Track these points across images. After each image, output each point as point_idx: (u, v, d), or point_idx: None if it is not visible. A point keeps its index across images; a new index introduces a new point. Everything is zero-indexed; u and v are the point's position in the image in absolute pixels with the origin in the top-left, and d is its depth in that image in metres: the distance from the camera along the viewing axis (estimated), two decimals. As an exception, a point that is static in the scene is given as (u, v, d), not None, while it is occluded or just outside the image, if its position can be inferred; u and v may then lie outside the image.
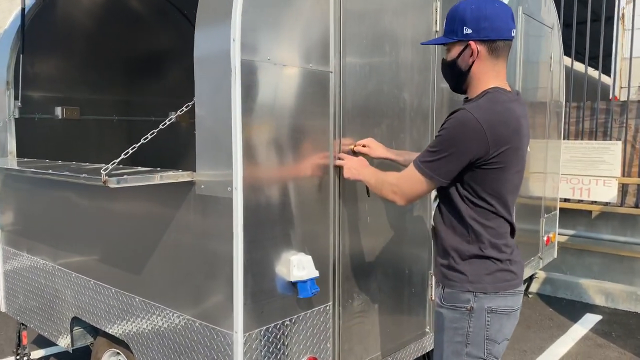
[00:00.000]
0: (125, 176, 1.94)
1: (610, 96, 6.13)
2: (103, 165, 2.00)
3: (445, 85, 2.95)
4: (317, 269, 2.18)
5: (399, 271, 2.74)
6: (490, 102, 1.76)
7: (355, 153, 2.39)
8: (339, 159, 2.28)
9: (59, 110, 3.80)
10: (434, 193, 2.04)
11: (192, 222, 2.13)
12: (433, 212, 2.03)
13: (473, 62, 1.81)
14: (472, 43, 1.79)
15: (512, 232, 1.89)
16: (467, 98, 1.91)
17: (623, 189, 5.63)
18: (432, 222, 2.01)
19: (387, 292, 2.66)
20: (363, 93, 2.43)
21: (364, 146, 2.37)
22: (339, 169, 2.32)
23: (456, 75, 1.89)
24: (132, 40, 4.22)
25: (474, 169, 1.77)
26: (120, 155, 2.00)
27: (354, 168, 2.20)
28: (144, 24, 4.19)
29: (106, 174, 1.89)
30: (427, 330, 2.97)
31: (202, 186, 2.08)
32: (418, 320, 2.93)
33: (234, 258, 1.97)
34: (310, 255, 2.17)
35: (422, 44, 2.08)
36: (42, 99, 3.82)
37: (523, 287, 1.90)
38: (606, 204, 5.68)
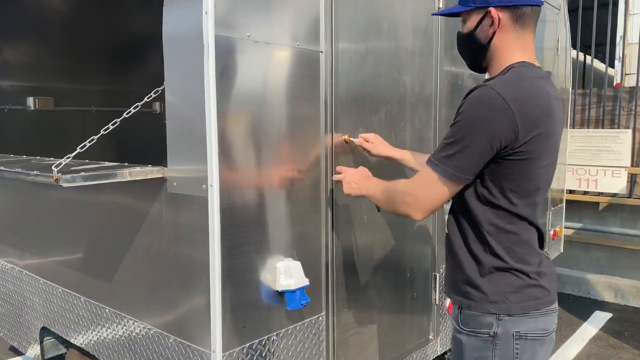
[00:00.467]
0: (82, 173, 1.67)
1: (615, 83, 5.86)
2: (65, 160, 1.74)
3: (450, 68, 2.67)
4: (307, 275, 1.92)
5: (399, 273, 2.48)
6: (517, 77, 1.46)
7: (352, 146, 2.12)
8: (337, 173, 1.99)
9: (31, 101, 3.52)
10: None
11: (164, 224, 1.86)
12: (446, 217, 1.72)
13: (494, 33, 1.50)
14: (492, 10, 1.49)
15: (540, 240, 1.58)
16: (487, 79, 1.59)
17: (632, 179, 5.38)
18: (447, 230, 1.70)
19: (386, 298, 2.40)
20: (358, 76, 2.16)
21: (366, 141, 2.10)
22: (331, 162, 2.06)
23: (474, 50, 1.57)
24: (112, 25, 3.93)
25: (497, 160, 1.45)
26: (88, 149, 1.74)
27: (354, 182, 1.87)
28: (125, 7, 3.90)
29: (59, 171, 1.62)
30: (430, 337, 2.72)
31: (175, 183, 1.81)
32: (421, 327, 2.67)
33: (210, 266, 1.71)
34: (299, 261, 1.91)
35: (433, 14, 1.78)
36: (12, 89, 3.54)
37: (557, 304, 1.58)
38: (614, 195, 5.43)
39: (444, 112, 2.67)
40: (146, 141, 3.10)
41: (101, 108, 3.87)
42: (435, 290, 2.72)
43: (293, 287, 1.83)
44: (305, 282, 1.88)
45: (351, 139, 2.12)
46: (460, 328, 1.58)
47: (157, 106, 4.23)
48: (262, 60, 1.79)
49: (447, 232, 1.66)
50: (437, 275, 2.71)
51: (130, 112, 1.83)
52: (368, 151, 2.12)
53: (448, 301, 2.79)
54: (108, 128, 1.78)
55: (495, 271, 1.50)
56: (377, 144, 2.10)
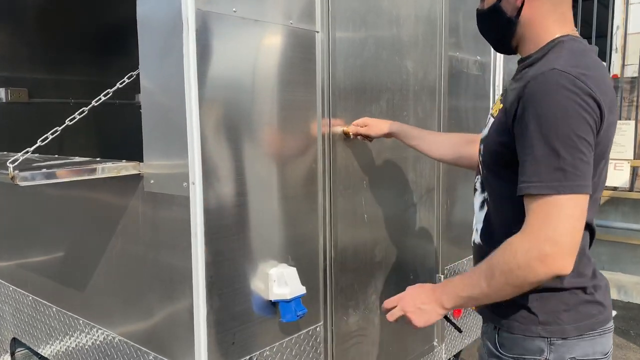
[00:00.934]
0: (43, 170, 1.44)
1: (612, 74, 5.69)
2: (22, 155, 1.52)
3: (455, 53, 2.47)
4: (303, 282, 1.71)
5: (402, 277, 2.28)
6: (578, 55, 1.20)
7: (349, 136, 1.91)
8: (385, 309, 1.44)
9: (2, 92, 3.26)
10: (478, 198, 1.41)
11: (141, 227, 1.65)
12: (477, 225, 1.41)
13: (523, 4, 1.27)
14: None
15: (591, 241, 1.33)
16: (522, 59, 1.35)
17: (634, 172, 5.22)
18: (478, 240, 1.40)
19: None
20: (358, 61, 1.95)
21: (361, 127, 1.89)
22: (329, 156, 1.85)
23: (500, 27, 1.32)
24: (93, 10, 3.69)
25: None
26: (64, 144, 1.52)
27: (423, 304, 1.32)
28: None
29: (15, 167, 1.40)
30: (434, 343, 2.52)
31: (152, 181, 1.60)
32: (425, 333, 2.48)
33: (193, 274, 1.50)
34: (294, 267, 1.70)
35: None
36: (-18, 79, 3.29)
37: (612, 322, 1.31)
38: (614, 188, 5.27)
39: (448, 101, 2.47)
40: (128, 136, 2.88)
41: (80, 100, 3.62)
42: (440, 293, 2.52)
43: (288, 297, 1.63)
44: (301, 290, 1.67)
45: (349, 129, 1.91)
46: (500, 353, 1.30)
47: (139, 97, 3.99)
48: (251, 40, 1.57)
49: (479, 242, 1.39)
50: (442, 277, 2.52)
51: (99, 99, 1.61)
52: (368, 137, 1.91)
53: (453, 304, 2.60)
54: (74, 118, 1.56)
55: (546, 289, 1.22)
56: (373, 125, 1.89)
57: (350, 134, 1.90)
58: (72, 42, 3.75)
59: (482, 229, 1.37)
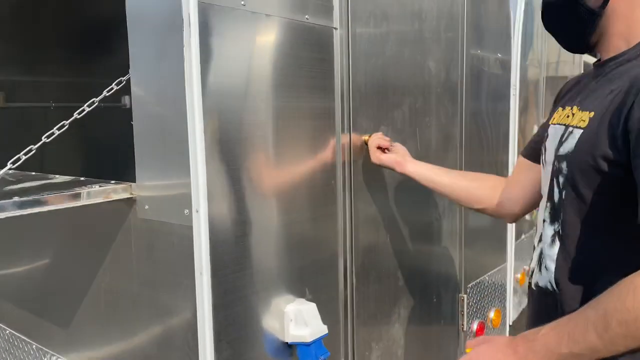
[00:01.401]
0: (14, 198, 1.19)
1: None
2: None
3: (476, 51, 2.24)
4: (323, 318, 1.47)
5: (425, 301, 2.05)
6: None
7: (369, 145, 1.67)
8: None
9: (-24, 97, 2.99)
10: (543, 230, 1.18)
11: (134, 260, 1.40)
12: (547, 265, 1.16)
13: None
14: None
15: None
16: (599, 60, 1.15)
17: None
18: (546, 283, 1.14)
19: (412, 331, 1.97)
20: (380, 60, 1.71)
21: (384, 149, 1.66)
22: (349, 171, 1.61)
23: (579, 20, 1.10)
24: (75, 6, 3.41)
25: None
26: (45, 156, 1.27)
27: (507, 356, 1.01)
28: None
29: (-21, 197, 1.14)
30: (457, 368, 2.31)
31: (146, 207, 1.35)
32: (447, 357, 2.26)
33: (198, 319, 1.25)
34: (313, 302, 1.47)
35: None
36: (-46, 82, 3.01)
37: None
38: None
39: (470, 104, 2.24)
40: (114, 144, 2.60)
41: (62, 104, 3.34)
42: (463, 315, 2.31)
43: (308, 340, 1.39)
44: (323, 330, 1.43)
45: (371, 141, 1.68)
46: None
47: (127, 100, 3.72)
48: (261, 37, 1.33)
49: (549, 287, 1.13)
50: (465, 297, 2.30)
51: (83, 111, 1.36)
52: (392, 168, 1.68)
53: (476, 325, 2.39)
54: (52, 134, 1.31)
55: None
56: (402, 157, 1.66)
57: (374, 159, 1.66)
58: (52, 41, 3.46)
59: (556, 270, 1.13)
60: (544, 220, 1.17)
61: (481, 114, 2.37)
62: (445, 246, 2.16)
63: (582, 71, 4.15)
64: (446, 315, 2.20)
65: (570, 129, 1.10)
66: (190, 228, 1.23)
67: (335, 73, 1.55)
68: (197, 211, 1.21)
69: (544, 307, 1.15)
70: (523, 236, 2.99)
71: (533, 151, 1.40)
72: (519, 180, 1.46)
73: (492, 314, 2.57)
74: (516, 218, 1.51)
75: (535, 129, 3.45)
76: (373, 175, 1.71)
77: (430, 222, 2.06)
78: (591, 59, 1.27)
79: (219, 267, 1.25)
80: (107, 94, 1.36)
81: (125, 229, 1.41)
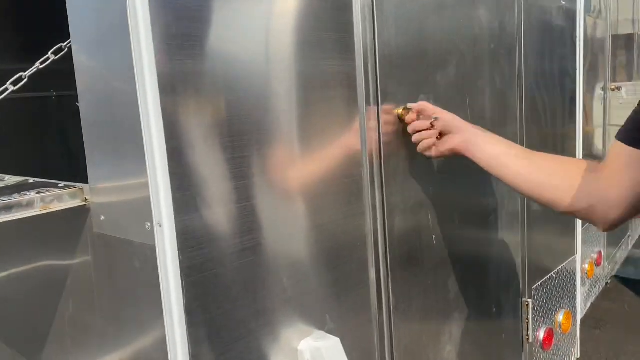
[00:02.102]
0: None
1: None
2: None
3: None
4: (351, 352, 1.10)
5: (482, 314, 1.65)
6: None
7: (401, 119, 1.27)
8: None
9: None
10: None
11: (95, 289, 1.05)
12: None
13: None
14: None
15: None
16: None
17: None
18: None
19: (467, 352, 1.58)
20: (414, 8, 1.30)
21: (417, 112, 1.25)
22: (378, 157, 1.21)
23: None
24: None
25: None
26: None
27: None
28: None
29: None
30: (524, 390, 1.90)
31: (102, 217, 0.99)
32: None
33: (172, 372, 0.90)
34: (337, 335, 1.09)
35: None
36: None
37: None
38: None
39: (532, 63, 1.80)
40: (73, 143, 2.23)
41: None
42: (528, 323, 1.89)
43: (330, 390, 1.02)
44: (349, 374, 1.06)
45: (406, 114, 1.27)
46: None
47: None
48: (246, -24, 0.94)
49: None
50: (530, 302, 1.88)
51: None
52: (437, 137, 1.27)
53: (542, 333, 1.97)
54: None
55: None
56: (446, 125, 1.25)
57: (407, 119, 1.26)
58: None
59: None
60: None
61: (544, 76, 1.92)
62: (505, 242, 1.75)
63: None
64: (507, 327, 1.80)
65: None
66: (153, 248, 0.87)
67: (356, 26, 1.15)
68: (159, 225, 0.85)
69: None
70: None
71: (636, 133, 0.98)
72: (616, 174, 1.02)
73: (561, 317, 2.15)
74: (611, 226, 1.07)
75: (602, 94, 2.95)
76: (410, 161, 1.31)
77: (486, 214, 1.65)
78: None
79: (196, 301, 0.88)
80: (32, 71, 0.99)
81: (82, 247, 1.06)
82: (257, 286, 0.97)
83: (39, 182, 1.13)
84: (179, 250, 0.85)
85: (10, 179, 1.23)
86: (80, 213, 1.03)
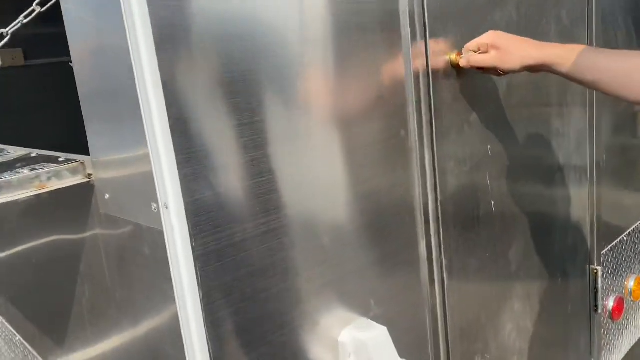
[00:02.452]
0: None
1: None
2: None
3: None
4: (402, 349, 0.95)
5: (547, 286, 1.46)
6: None
7: (459, 68, 1.07)
8: None
9: (-7, 56, 2.62)
10: None
11: (108, 279, 0.93)
12: None
13: None
14: None
15: None
16: None
17: None
18: None
19: (529, 331, 1.41)
20: None
21: (483, 52, 1.04)
22: (429, 110, 1.03)
23: None
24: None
25: None
26: None
27: None
28: None
29: None
30: (591, 362, 1.73)
31: (107, 196, 0.86)
32: (577, 350, 1.68)
33: (192, 371, 0.77)
34: (383, 324, 0.94)
35: None
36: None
37: None
38: None
39: (604, -3, 1.54)
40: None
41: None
42: (597, 292, 1.70)
43: (377, 388, 0.88)
44: (399, 368, 0.91)
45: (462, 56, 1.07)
46: None
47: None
48: None
49: None
50: (600, 269, 1.68)
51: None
52: (497, 71, 1.06)
53: (612, 302, 1.78)
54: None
55: None
56: (506, 49, 1.02)
57: (463, 64, 1.06)
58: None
59: None
60: None
61: (615, 13, 1.65)
62: (573, 203, 1.54)
63: None
64: (574, 298, 1.61)
65: None
66: (161, 234, 0.72)
67: (397, -47, 0.94)
68: (166, 207, 0.70)
69: None
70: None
71: None
72: None
73: (631, 284, 1.93)
74: None
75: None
76: (464, 111, 1.12)
77: (551, 172, 1.44)
78: None
79: (218, 294, 0.75)
80: (25, 20, 0.85)
81: (90, 228, 0.93)
82: (287, 272, 0.83)
83: (42, 155, 1.00)
84: (190, 235, 0.70)
85: (15, 152, 1.12)
86: (86, 190, 0.90)
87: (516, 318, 1.33)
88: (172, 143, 0.68)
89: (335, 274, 0.90)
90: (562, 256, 1.51)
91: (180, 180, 0.69)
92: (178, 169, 0.69)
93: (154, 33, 0.65)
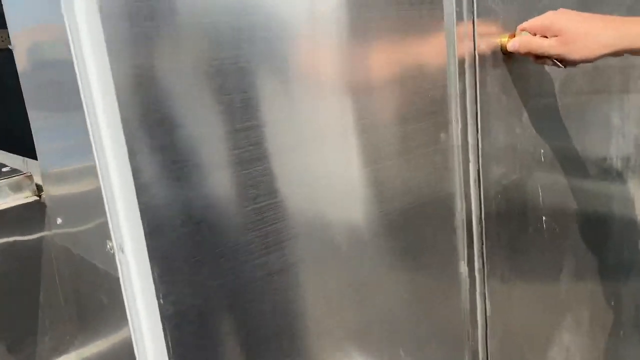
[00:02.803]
0: None
1: None
2: None
3: None
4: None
5: (603, 303, 1.25)
6: None
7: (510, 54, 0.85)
8: None
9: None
10: None
11: (66, 315, 0.74)
12: None
13: None
14: None
15: None
16: None
17: None
18: None
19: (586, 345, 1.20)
20: None
21: (542, 35, 0.81)
22: (475, 103, 0.81)
23: None
24: None
25: None
26: None
27: None
28: None
29: None
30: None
31: (59, 220, 0.66)
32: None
33: None
34: (416, 382, 0.74)
35: None
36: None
37: None
38: None
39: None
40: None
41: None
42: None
43: None
44: None
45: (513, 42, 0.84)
46: None
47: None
48: None
49: None
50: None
51: None
52: (558, 58, 0.83)
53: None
54: None
55: None
56: (573, 34, 0.79)
57: (515, 49, 0.83)
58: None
59: None
60: None
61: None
62: (633, 220, 1.31)
63: None
64: (625, 322, 1.39)
65: None
66: (118, 281, 0.52)
67: None
68: (121, 250, 0.50)
69: None
70: None
71: None
72: None
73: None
74: None
75: None
76: (516, 107, 0.90)
77: (609, 176, 1.21)
78: None
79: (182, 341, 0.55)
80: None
81: (46, 258, 0.73)
82: (289, 323, 0.62)
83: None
84: (157, 289, 0.50)
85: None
86: (37, 209, 0.70)
87: (565, 352, 1.12)
88: (127, 155, 0.48)
89: (350, 322, 0.70)
90: (616, 280, 1.29)
91: (140, 212, 0.49)
92: (136, 192, 0.48)
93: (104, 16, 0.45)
